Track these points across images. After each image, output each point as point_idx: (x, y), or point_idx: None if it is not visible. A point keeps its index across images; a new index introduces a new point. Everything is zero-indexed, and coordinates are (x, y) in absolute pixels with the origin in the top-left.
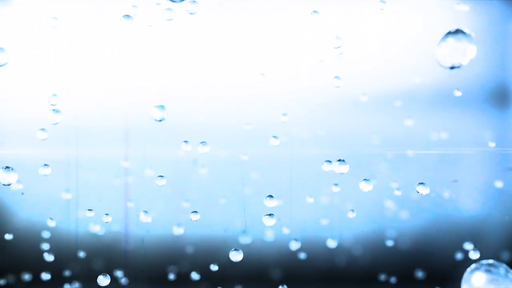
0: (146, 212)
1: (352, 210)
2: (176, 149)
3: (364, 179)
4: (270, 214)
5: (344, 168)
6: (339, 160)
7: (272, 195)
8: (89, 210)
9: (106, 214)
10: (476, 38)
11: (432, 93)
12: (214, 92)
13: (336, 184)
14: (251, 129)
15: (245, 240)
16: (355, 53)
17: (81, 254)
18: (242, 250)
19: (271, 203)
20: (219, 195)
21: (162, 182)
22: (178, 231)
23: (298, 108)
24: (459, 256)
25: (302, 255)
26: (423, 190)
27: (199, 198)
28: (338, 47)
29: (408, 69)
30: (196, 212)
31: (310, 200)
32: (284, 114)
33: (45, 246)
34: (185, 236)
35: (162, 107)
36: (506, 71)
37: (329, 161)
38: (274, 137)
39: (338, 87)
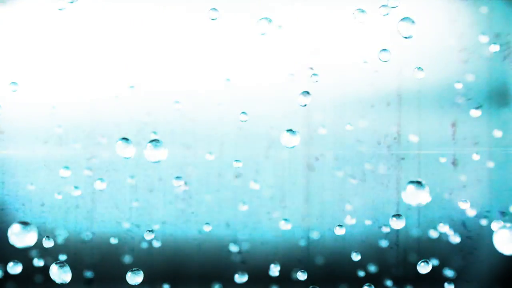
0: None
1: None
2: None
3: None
4: None
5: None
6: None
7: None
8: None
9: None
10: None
11: (433, 93)
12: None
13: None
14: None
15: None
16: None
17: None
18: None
19: None
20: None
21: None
22: None
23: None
24: (459, 255)
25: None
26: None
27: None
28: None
29: (408, 69)
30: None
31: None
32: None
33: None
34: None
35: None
36: (506, 71)
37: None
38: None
39: (316, 81)
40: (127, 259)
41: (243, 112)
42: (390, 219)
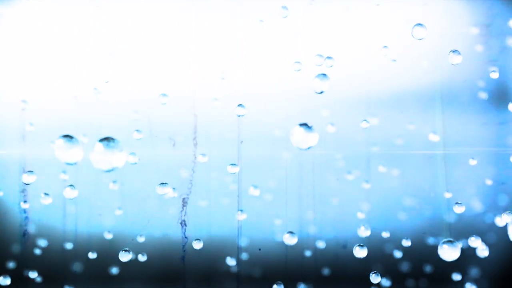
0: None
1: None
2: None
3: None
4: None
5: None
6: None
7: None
8: None
9: None
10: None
11: (432, 93)
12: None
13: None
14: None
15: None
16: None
17: None
18: None
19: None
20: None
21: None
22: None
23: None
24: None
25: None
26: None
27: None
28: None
29: (407, 69)
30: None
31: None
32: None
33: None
34: None
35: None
36: (506, 71)
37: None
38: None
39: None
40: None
41: (240, 105)
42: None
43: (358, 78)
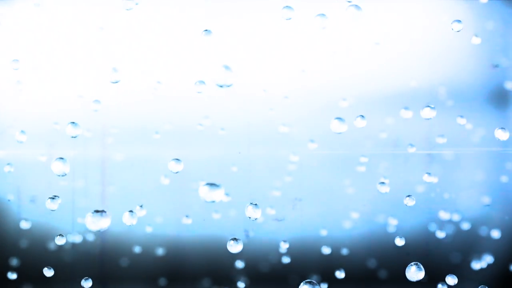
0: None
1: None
2: None
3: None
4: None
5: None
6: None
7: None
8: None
9: None
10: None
11: (431, 94)
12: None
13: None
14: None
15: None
16: (355, 54)
17: None
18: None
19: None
20: None
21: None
22: None
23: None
24: (459, 256)
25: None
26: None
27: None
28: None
29: (408, 69)
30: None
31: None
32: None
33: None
34: None
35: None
36: (506, 71)
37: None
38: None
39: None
40: None
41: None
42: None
43: (357, 78)
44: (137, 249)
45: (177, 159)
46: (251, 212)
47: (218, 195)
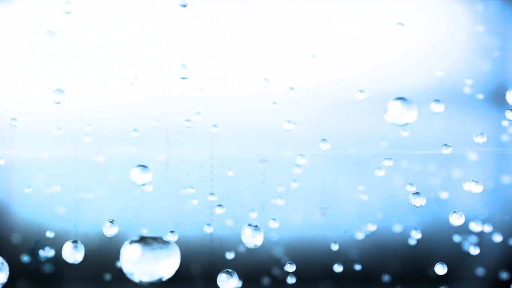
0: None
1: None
2: None
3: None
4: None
5: None
6: None
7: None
8: None
9: None
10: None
11: (432, 94)
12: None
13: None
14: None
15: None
16: (356, 53)
17: None
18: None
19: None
20: None
21: None
22: None
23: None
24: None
25: None
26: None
27: None
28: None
29: (407, 69)
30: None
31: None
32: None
33: None
34: None
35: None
36: (506, 71)
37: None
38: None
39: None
40: None
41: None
42: None
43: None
44: None
45: (143, 166)
46: (250, 237)
47: (148, 177)
